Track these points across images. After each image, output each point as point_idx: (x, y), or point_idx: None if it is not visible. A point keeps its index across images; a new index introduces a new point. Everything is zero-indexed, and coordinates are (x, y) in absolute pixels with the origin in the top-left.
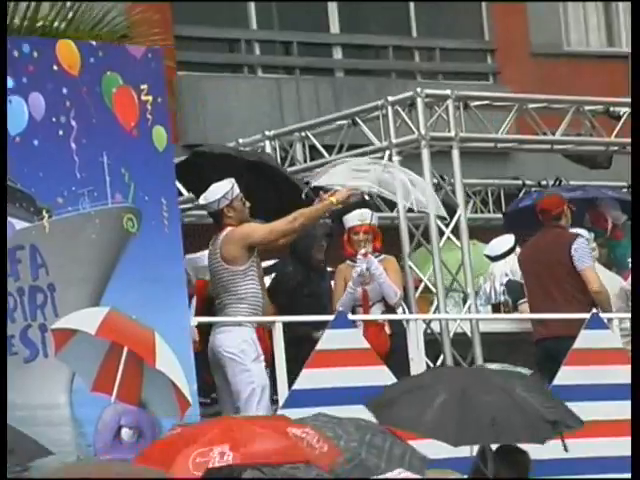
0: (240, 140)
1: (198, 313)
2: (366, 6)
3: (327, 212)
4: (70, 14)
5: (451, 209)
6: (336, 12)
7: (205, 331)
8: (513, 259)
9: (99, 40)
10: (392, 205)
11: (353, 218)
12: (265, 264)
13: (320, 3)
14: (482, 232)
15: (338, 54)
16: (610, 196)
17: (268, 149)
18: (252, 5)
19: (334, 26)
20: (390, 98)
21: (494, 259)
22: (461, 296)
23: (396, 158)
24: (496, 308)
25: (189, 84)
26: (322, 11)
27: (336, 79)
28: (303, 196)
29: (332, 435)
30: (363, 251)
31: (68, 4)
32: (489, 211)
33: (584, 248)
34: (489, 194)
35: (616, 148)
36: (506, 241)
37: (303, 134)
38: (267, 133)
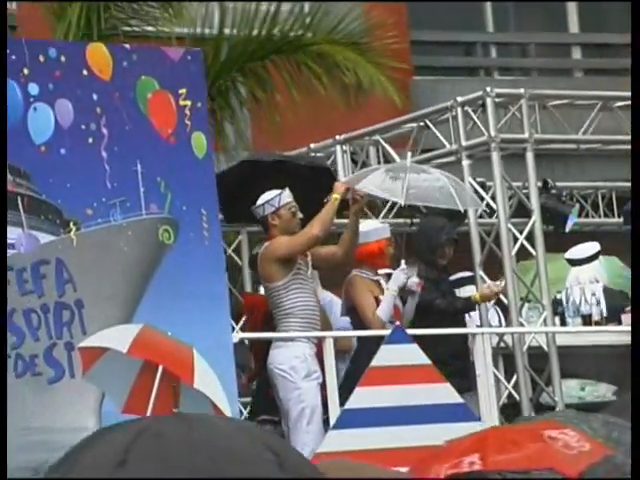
0: (312, 145)
1: (256, 329)
2: (607, 5)
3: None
4: (308, 20)
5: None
6: (575, 11)
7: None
8: (597, 267)
9: (335, 44)
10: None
11: (386, 229)
12: None
13: (559, 3)
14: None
15: (577, 54)
16: None
17: (339, 154)
18: (488, 7)
19: (573, 25)
20: (459, 98)
21: (577, 263)
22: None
23: (466, 162)
24: (587, 320)
25: (425, 88)
26: (561, 11)
27: (574, 79)
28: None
29: None
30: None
31: (306, 9)
32: (599, 216)
33: None
34: (600, 197)
35: None
36: (591, 247)
37: (375, 138)
38: (338, 137)
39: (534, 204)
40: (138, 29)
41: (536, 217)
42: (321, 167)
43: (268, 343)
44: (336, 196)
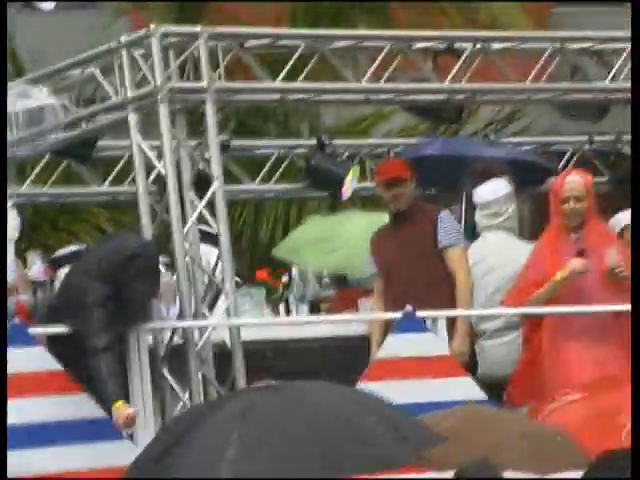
0: None
1: None
2: None
3: None
4: None
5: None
6: None
7: None
8: None
9: None
10: None
11: None
12: None
13: None
14: None
15: None
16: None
17: None
18: None
19: None
20: (124, 38)
21: None
22: (264, 293)
23: (132, 117)
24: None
25: (567, 21)
26: None
27: None
28: None
29: None
30: None
31: None
32: None
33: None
34: None
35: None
36: None
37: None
38: None
39: (215, 169)
40: None
41: (217, 185)
42: None
43: None
44: None
